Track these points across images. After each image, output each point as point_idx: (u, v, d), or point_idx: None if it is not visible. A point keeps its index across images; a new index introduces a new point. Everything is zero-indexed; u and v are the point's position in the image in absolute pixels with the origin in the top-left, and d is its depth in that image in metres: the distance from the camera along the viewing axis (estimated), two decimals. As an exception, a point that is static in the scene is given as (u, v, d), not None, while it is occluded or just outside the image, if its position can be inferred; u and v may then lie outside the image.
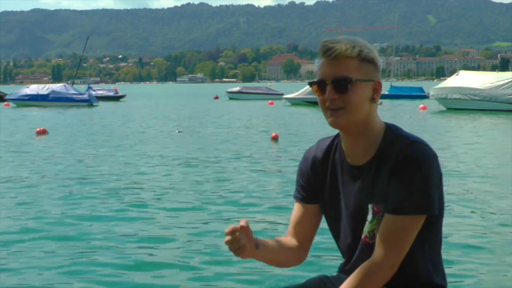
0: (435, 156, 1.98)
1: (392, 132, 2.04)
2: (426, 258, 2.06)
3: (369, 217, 2.04)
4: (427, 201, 1.94)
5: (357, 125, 2.02)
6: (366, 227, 2.05)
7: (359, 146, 2.05)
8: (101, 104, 43.00)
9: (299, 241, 2.20)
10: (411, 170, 1.93)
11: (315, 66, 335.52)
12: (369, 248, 2.03)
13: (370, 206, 2.03)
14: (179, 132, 19.27)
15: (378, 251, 1.98)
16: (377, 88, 2.02)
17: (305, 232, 2.20)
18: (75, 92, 42.84)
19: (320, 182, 2.16)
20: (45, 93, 41.92)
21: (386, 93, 50.36)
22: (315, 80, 2.01)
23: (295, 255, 2.19)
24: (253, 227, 5.74)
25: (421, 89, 54.89)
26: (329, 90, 1.97)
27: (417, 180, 1.92)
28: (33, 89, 43.73)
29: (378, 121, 2.06)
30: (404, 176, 1.93)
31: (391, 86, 55.62)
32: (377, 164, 2.02)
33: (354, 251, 2.13)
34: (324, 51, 1.98)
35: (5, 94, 48.18)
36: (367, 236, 2.05)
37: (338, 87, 1.96)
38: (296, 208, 2.22)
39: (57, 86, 43.98)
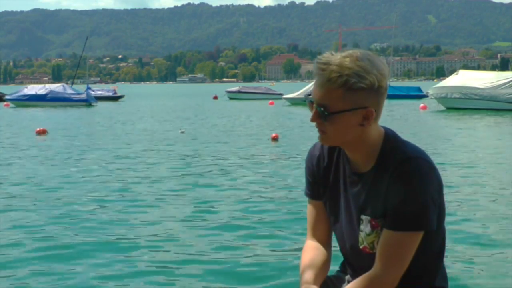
0: (432, 170, 1.96)
1: (390, 141, 2.02)
2: (426, 263, 2.08)
3: (368, 229, 2.04)
4: (423, 219, 1.94)
5: (345, 144, 2.01)
6: (366, 239, 2.05)
7: (357, 156, 2.04)
8: (100, 104, 42.90)
9: (320, 241, 2.20)
10: (408, 188, 1.92)
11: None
12: (370, 257, 2.04)
13: (364, 217, 2.04)
14: (182, 132, 19.24)
15: (378, 265, 1.98)
16: (368, 115, 1.94)
17: (322, 228, 2.20)
18: (73, 92, 42.71)
19: (323, 181, 2.17)
20: (43, 93, 41.78)
21: None
22: (309, 98, 2.00)
23: (328, 260, 2.19)
24: (254, 228, 6.44)
25: (418, 89, 54.90)
26: (313, 113, 1.97)
27: (413, 197, 1.92)
28: (31, 89, 43.64)
29: (375, 131, 2.01)
30: (401, 194, 1.92)
31: (389, 86, 55.50)
32: (375, 175, 2.01)
33: (352, 256, 2.15)
34: (314, 71, 1.95)
35: (4, 94, 48.06)
36: (366, 247, 2.06)
37: (320, 114, 1.95)
38: (309, 206, 2.23)
39: (56, 86, 43.86)
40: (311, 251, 2.17)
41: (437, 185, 1.97)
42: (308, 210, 2.23)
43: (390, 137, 2.02)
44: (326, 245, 2.20)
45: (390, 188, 1.95)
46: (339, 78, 1.88)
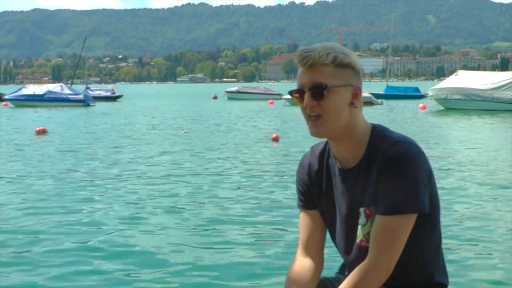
0: (421, 154, 1.98)
1: (378, 133, 2.04)
2: (425, 257, 2.07)
3: (362, 220, 2.04)
4: (416, 200, 1.94)
5: (338, 131, 2.02)
6: (361, 231, 2.06)
7: (346, 150, 2.06)
8: (98, 104, 42.93)
9: (312, 255, 2.18)
10: (397, 170, 1.93)
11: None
12: (366, 251, 2.03)
13: (361, 209, 2.04)
14: (185, 132, 19.19)
15: (372, 253, 1.99)
16: (356, 93, 2.01)
17: (315, 240, 2.19)
18: (70, 92, 42.68)
19: (317, 188, 2.18)
20: (41, 93, 41.78)
21: (382, 93, 50.32)
22: (295, 89, 2.05)
23: (317, 273, 2.18)
24: (255, 227, 6.54)
25: (417, 89, 54.81)
26: (307, 97, 1.99)
27: (404, 179, 1.93)
28: (29, 89, 43.64)
29: (363, 123, 2.06)
30: (391, 177, 1.94)
31: (387, 86, 55.52)
32: (366, 167, 2.02)
33: (350, 254, 2.14)
34: (300, 60, 2.00)
35: (3, 94, 48.02)
36: (363, 240, 2.06)
37: (315, 93, 1.98)
38: (302, 217, 2.23)
39: (54, 87, 43.89)
40: (299, 273, 2.16)
41: (427, 169, 1.98)
42: (301, 222, 2.22)
43: (377, 130, 2.06)
44: (318, 259, 2.18)
45: (380, 174, 1.97)
46: (328, 55, 1.97)
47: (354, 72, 2.01)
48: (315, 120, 2.00)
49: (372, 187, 2.00)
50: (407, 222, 1.95)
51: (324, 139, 2.16)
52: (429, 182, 1.98)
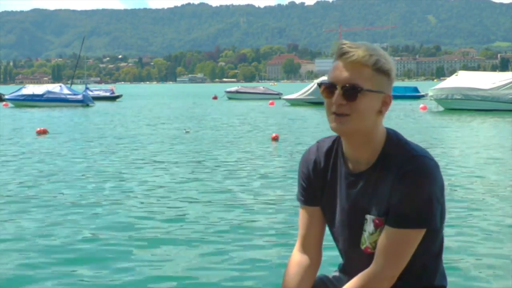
0: (437, 168, 1.97)
1: (393, 139, 2.02)
2: (425, 263, 2.08)
3: (370, 228, 2.02)
4: (428, 216, 1.93)
5: (360, 134, 1.99)
6: (367, 238, 2.04)
7: (361, 154, 2.03)
8: (97, 104, 42.91)
9: (310, 250, 2.18)
10: (414, 186, 1.91)
11: (315, 66, 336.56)
12: (370, 257, 2.03)
13: (369, 217, 2.03)
14: (187, 132, 19.17)
15: (377, 261, 1.98)
16: (386, 101, 1.98)
17: (313, 236, 2.18)
18: (69, 92, 42.66)
19: (320, 184, 2.15)
20: (40, 93, 41.78)
21: None
22: (326, 81, 1.97)
23: (314, 270, 2.18)
24: (255, 228, 6.47)
25: (415, 89, 54.60)
26: (337, 95, 1.93)
27: (420, 195, 1.92)
28: (29, 89, 43.65)
29: (380, 129, 2.03)
30: (407, 191, 1.92)
31: None
32: (378, 173, 2.00)
33: (351, 257, 2.14)
34: (341, 54, 1.94)
35: (3, 95, 48.01)
36: (369, 247, 2.05)
37: (348, 94, 1.92)
38: (301, 212, 2.20)
39: (53, 87, 43.90)
40: (295, 271, 2.16)
41: (441, 184, 1.97)
42: (300, 216, 2.20)
43: (392, 137, 2.03)
44: (316, 255, 2.18)
45: (395, 186, 1.95)
46: (371, 57, 1.91)
47: (389, 80, 1.98)
48: (340, 117, 1.94)
49: (383, 197, 1.98)
50: (417, 236, 1.96)
51: (332, 137, 2.15)
52: (441, 196, 1.98)
